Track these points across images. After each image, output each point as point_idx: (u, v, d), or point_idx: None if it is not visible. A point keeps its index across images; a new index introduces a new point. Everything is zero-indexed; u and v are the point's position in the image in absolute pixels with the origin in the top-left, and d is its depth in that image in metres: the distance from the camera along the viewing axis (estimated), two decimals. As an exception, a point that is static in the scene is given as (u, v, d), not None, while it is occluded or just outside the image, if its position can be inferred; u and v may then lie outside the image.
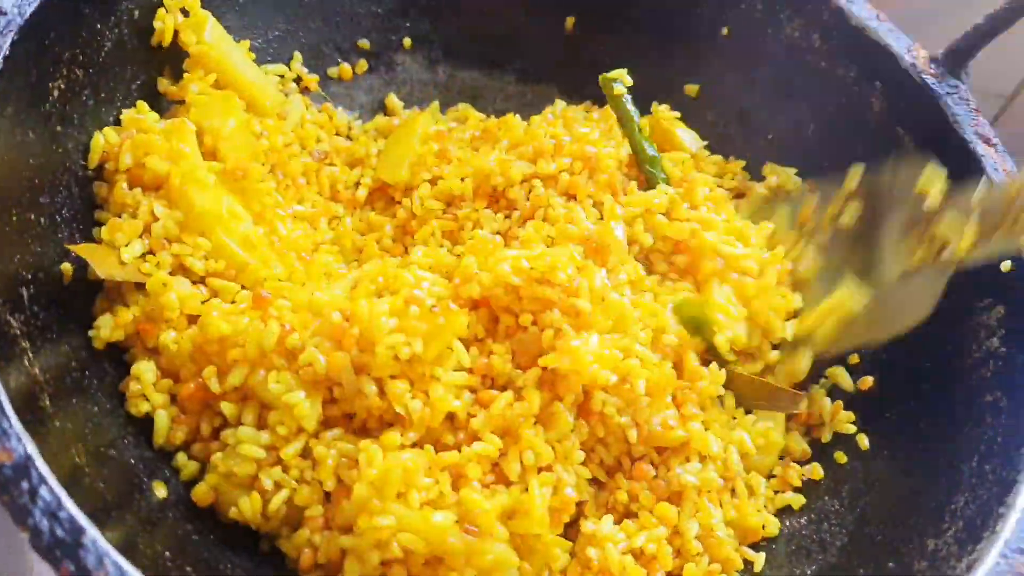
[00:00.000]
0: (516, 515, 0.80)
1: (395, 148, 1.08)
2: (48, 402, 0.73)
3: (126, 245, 0.86)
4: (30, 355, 0.74)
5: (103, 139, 0.90)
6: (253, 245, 0.92)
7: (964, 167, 1.00)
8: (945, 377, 0.95)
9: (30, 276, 0.79)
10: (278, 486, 0.79)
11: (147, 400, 0.83)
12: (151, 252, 0.87)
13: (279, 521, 0.80)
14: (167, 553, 0.71)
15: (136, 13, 0.96)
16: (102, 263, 0.84)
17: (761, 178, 1.17)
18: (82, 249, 0.84)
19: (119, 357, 0.86)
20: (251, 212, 0.94)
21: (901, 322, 0.94)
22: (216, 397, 0.82)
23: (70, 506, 0.61)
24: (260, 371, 0.81)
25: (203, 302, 0.86)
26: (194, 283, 0.87)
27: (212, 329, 0.82)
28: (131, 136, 0.91)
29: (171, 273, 0.86)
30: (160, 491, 0.79)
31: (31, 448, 0.62)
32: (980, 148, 1.01)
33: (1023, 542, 0.75)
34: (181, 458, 0.82)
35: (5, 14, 0.79)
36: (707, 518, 0.87)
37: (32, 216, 0.82)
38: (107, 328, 0.84)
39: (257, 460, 0.79)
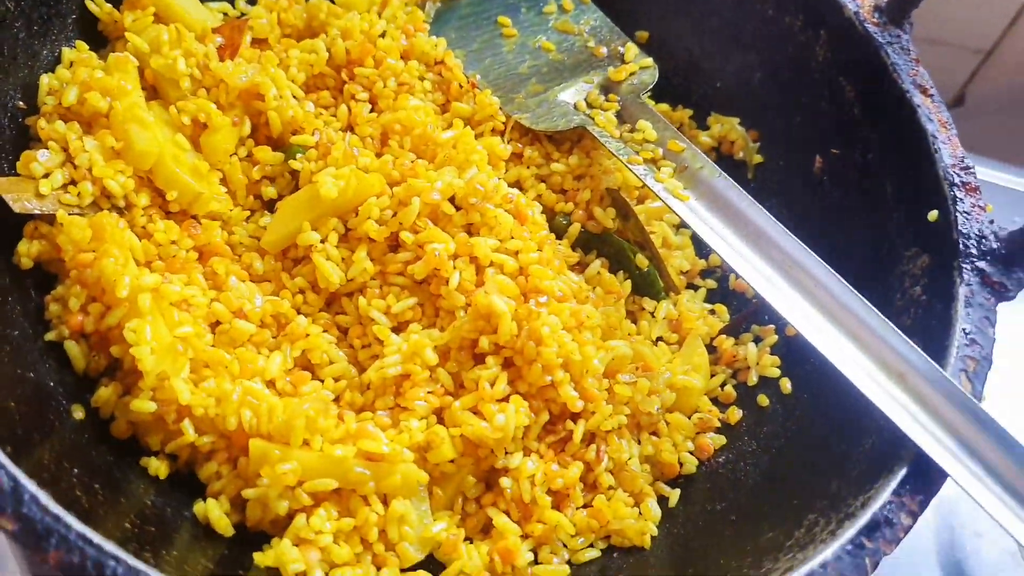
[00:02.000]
0: (429, 448, 0.82)
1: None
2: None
3: (45, 176, 0.87)
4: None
5: (47, 80, 0.92)
6: (202, 175, 0.93)
7: (901, 116, 1.01)
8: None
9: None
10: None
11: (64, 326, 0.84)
12: (73, 183, 0.88)
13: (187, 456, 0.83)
14: (76, 471, 0.73)
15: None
16: (19, 195, 0.84)
17: (706, 127, 1.19)
18: (-1, 182, 0.85)
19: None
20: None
21: None
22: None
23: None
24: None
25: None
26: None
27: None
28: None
29: (94, 203, 0.88)
30: (78, 413, 0.81)
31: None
32: (917, 98, 1.01)
33: (916, 482, 0.77)
34: (102, 392, 0.82)
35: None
36: (619, 453, 0.89)
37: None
38: (27, 249, 0.85)
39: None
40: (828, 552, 0.73)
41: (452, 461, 0.83)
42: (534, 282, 0.88)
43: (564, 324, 0.85)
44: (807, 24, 1.11)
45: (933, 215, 0.94)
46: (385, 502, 0.80)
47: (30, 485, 0.62)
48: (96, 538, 0.62)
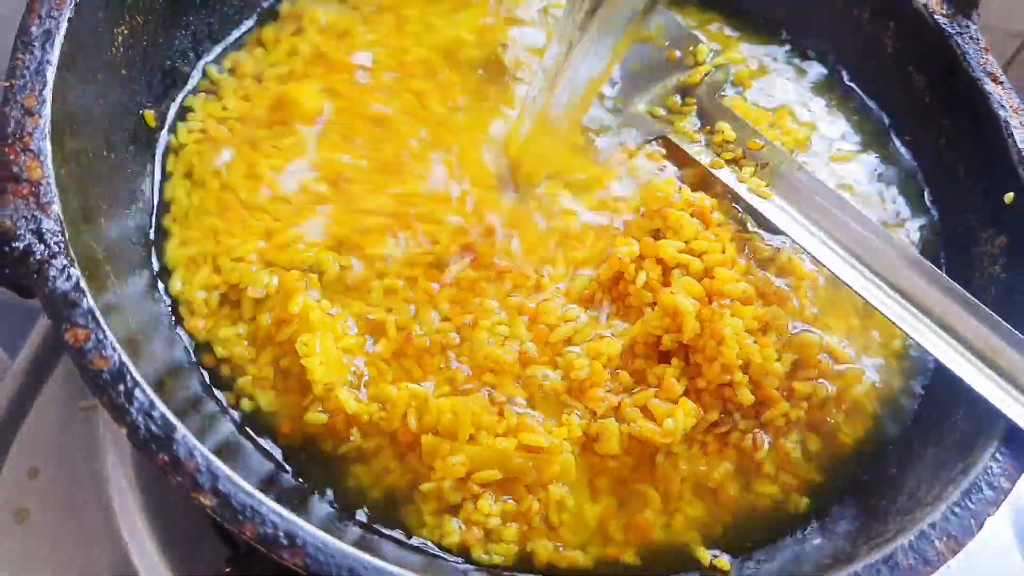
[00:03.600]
0: (598, 439, 0.87)
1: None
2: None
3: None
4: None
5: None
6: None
7: (973, 104, 1.06)
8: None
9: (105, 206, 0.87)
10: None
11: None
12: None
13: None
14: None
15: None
16: None
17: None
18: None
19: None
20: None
21: None
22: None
23: (161, 406, 0.70)
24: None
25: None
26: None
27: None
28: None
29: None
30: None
31: (125, 357, 0.70)
32: (988, 86, 1.06)
33: (1012, 448, 0.83)
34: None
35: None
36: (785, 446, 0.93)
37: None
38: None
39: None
40: (936, 514, 0.79)
41: (614, 457, 0.88)
42: (718, 285, 0.92)
43: (747, 327, 0.89)
44: (874, 16, 1.16)
45: (1009, 197, 1.00)
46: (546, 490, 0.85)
47: (223, 467, 0.69)
48: (285, 512, 0.68)
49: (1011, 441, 0.83)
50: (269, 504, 0.68)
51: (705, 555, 0.86)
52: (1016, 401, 0.84)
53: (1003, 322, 0.87)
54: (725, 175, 1.04)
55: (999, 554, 1.14)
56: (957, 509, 0.79)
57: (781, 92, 1.18)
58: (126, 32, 0.92)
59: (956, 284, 0.91)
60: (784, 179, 1.03)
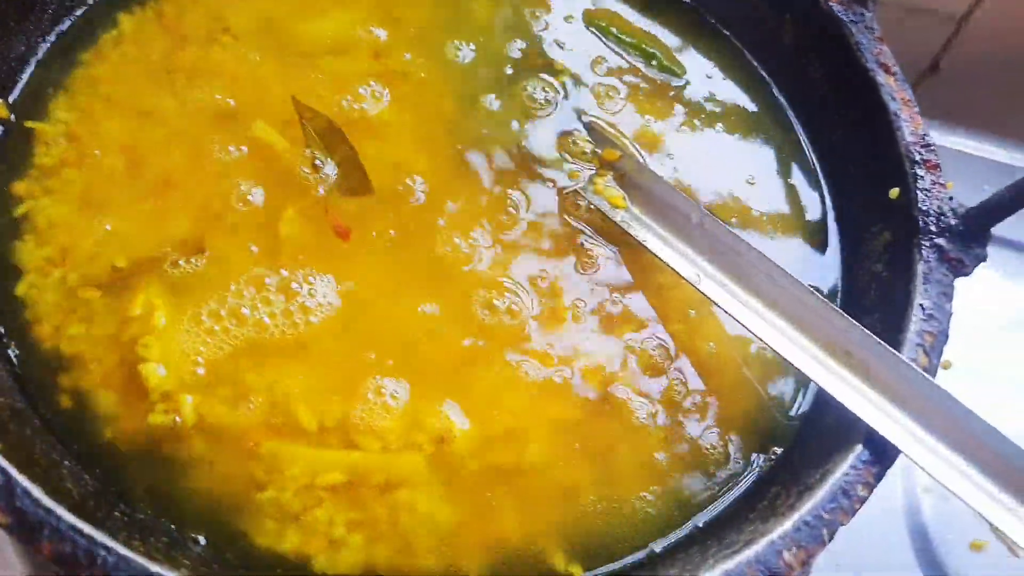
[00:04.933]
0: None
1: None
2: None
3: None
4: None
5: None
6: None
7: (865, 95, 1.03)
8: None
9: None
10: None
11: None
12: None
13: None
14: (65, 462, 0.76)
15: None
16: None
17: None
18: None
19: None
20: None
21: None
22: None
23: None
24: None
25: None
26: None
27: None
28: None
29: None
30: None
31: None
32: (880, 76, 1.03)
33: (872, 455, 0.81)
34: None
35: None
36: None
37: None
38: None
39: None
40: (788, 524, 0.77)
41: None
42: None
43: None
44: (772, 6, 1.13)
45: (894, 192, 0.97)
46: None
47: (22, 480, 0.66)
48: (87, 528, 0.65)
49: (872, 447, 0.81)
50: (68, 519, 0.65)
51: (562, 561, 0.84)
52: (873, 404, 0.82)
53: (859, 327, 0.85)
54: (580, 186, 1.01)
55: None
56: (810, 519, 0.77)
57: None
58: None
59: (808, 287, 0.88)
60: (641, 189, 0.99)
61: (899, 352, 0.85)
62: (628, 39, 1.13)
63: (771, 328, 0.87)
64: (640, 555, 0.85)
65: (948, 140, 1.53)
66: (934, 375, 0.86)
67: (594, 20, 1.14)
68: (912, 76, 1.88)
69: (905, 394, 0.81)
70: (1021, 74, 1.81)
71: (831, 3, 1.07)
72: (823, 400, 0.90)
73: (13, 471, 0.66)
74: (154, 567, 0.65)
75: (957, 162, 1.48)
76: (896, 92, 1.02)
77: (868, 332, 0.84)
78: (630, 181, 1.00)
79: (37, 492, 0.66)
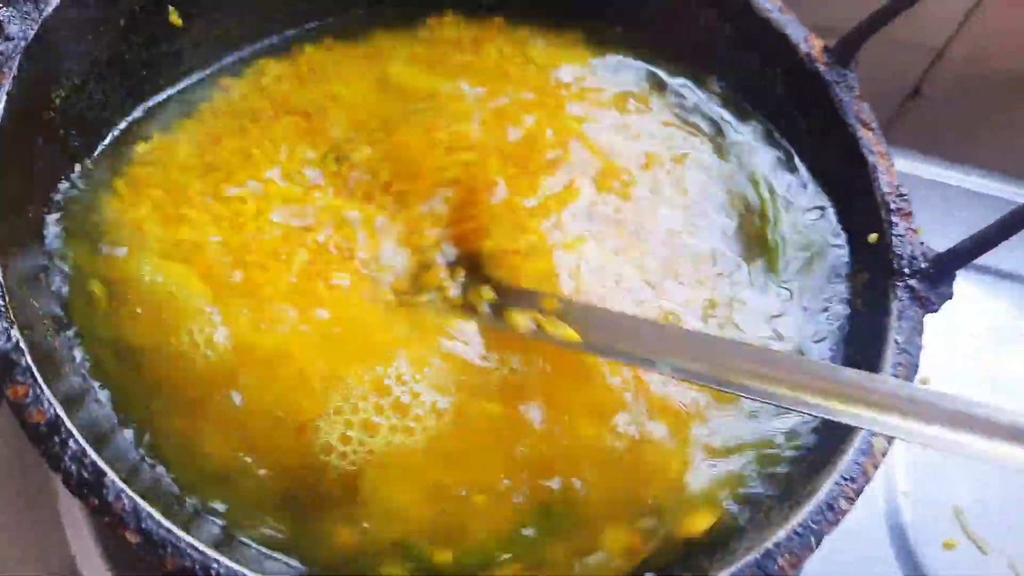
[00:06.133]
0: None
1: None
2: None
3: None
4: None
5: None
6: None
7: (846, 148, 1.16)
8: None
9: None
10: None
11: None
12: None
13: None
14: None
15: None
16: None
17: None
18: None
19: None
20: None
21: None
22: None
23: (92, 454, 0.80)
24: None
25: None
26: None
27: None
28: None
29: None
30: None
31: (60, 410, 0.80)
32: (860, 132, 1.16)
33: (854, 472, 0.94)
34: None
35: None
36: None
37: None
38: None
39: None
40: (782, 533, 0.90)
41: None
42: None
43: None
44: (764, 63, 1.26)
45: (873, 238, 1.11)
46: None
47: (146, 506, 0.79)
48: (200, 546, 0.79)
49: (854, 465, 0.95)
50: (187, 539, 0.78)
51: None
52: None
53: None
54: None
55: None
56: (800, 529, 0.91)
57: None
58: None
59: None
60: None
61: (876, 382, 0.99)
62: None
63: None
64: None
65: (921, 169, 1.66)
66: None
67: None
68: (898, 99, 2.02)
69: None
70: (990, 103, 1.95)
71: (816, 64, 1.20)
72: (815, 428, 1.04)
73: (139, 500, 0.79)
74: (256, 576, 0.78)
75: (932, 191, 1.61)
76: (874, 146, 1.15)
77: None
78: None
79: (158, 515, 0.79)
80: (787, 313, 1.12)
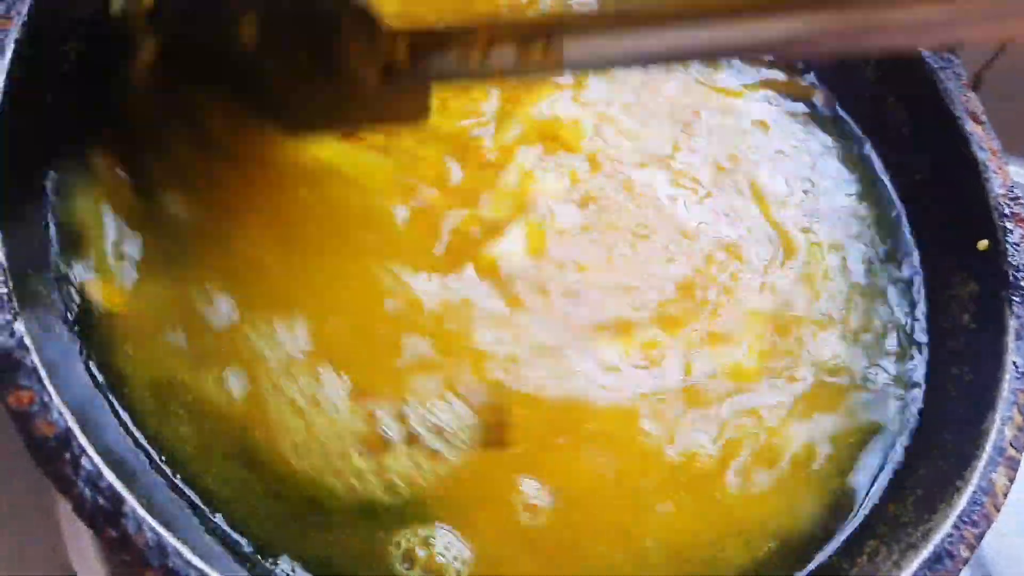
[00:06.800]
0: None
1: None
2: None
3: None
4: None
5: None
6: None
7: (952, 143, 1.04)
8: (917, 347, 1.02)
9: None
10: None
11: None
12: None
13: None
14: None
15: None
16: None
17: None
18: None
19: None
20: None
21: None
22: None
23: (110, 475, 0.67)
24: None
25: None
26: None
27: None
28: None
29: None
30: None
31: (72, 422, 0.67)
32: (969, 125, 1.04)
33: (975, 515, 0.83)
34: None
35: None
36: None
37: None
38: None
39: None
40: (897, 584, 0.79)
41: None
42: None
43: None
44: (858, 43, 1.14)
45: (983, 244, 0.98)
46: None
47: (172, 540, 0.66)
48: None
49: (974, 504, 0.83)
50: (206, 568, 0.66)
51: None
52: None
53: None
54: None
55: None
56: (917, 578, 0.79)
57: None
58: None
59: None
60: None
61: (994, 410, 0.87)
62: None
63: None
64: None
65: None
66: (1030, 437, 0.88)
67: None
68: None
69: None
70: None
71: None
72: (917, 452, 0.92)
73: (164, 531, 0.66)
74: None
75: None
76: (985, 142, 1.03)
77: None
78: None
79: (183, 549, 0.67)
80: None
